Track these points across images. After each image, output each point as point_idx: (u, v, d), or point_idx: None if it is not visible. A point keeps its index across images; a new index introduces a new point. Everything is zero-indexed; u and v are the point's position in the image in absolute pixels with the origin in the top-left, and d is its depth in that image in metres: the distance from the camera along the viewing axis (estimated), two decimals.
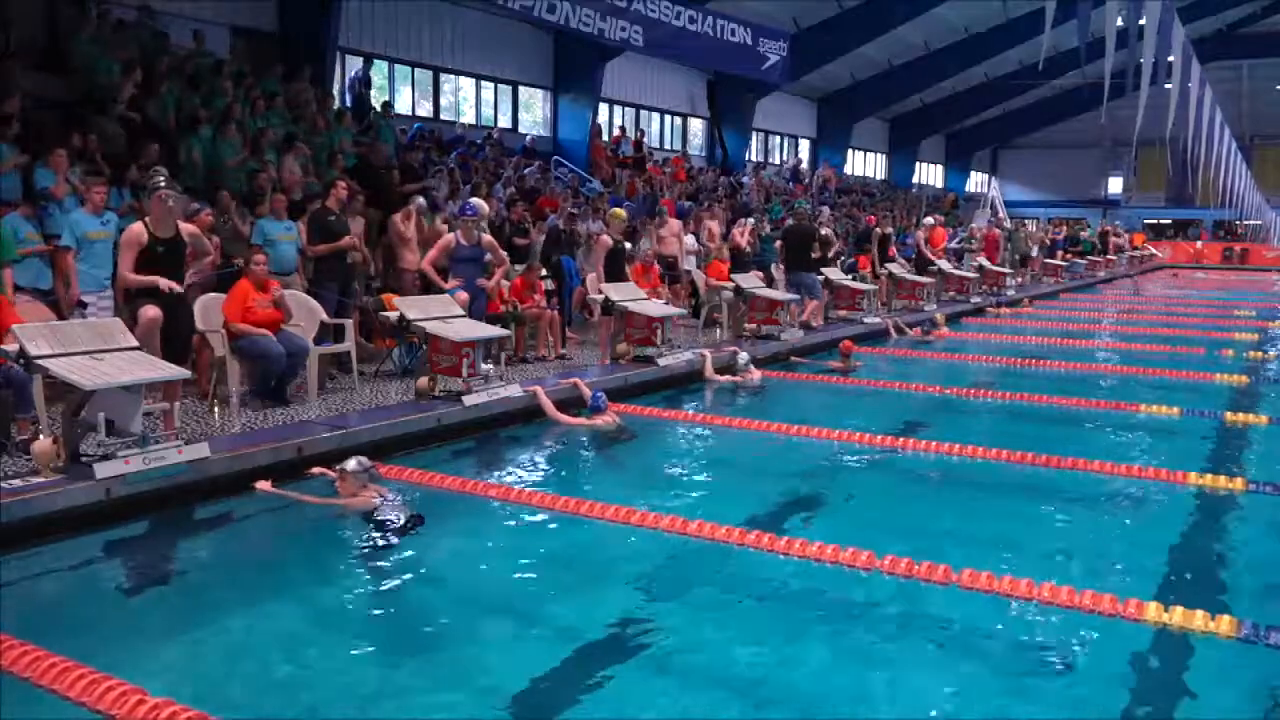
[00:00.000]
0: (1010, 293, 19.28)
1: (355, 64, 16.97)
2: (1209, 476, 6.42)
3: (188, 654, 3.94)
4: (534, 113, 21.61)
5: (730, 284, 12.34)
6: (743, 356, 9.93)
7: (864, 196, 29.54)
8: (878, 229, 16.80)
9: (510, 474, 6.79)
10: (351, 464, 5.52)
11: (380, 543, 5.07)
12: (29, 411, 5.84)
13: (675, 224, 13.82)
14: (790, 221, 14.39)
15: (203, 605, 4.46)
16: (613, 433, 7.57)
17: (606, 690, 3.66)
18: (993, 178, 43.81)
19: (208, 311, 7.45)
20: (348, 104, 15.66)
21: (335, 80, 16.07)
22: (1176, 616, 4.14)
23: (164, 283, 6.49)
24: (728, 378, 9.77)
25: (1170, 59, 17.18)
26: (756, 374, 9.88)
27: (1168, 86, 18.04)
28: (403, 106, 18.17)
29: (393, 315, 8.00)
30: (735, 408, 9.02)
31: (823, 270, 13.80)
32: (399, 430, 6.91)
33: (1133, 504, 6.16)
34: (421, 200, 10.84)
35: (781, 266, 14.31)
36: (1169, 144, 21.72)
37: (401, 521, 5.24)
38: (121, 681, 3.39)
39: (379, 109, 15.34)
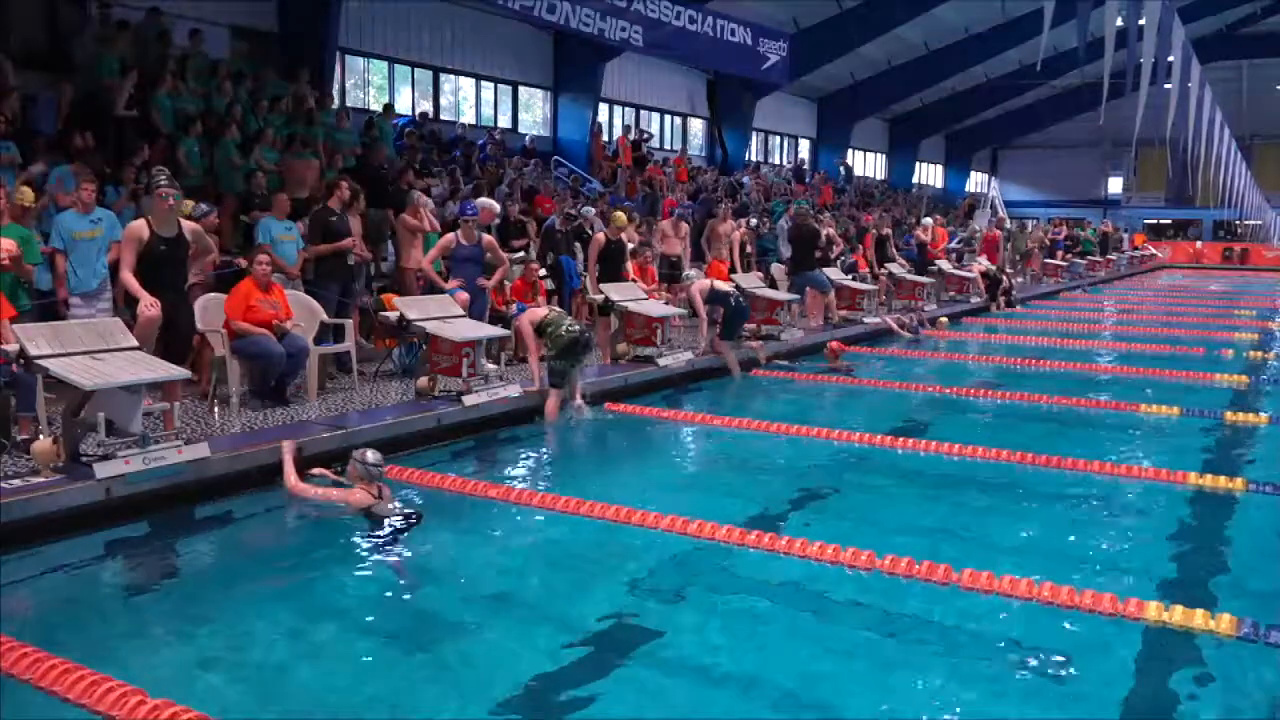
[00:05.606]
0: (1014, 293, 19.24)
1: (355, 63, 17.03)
2: (1209, 476, 6.41)
3: (188, 654, 3.93)
4: (534, 113, 21.60)
5: (730, 284, 12.33)
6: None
7: (862, 196, 29.54)
8: (874, 229, 16.81)
9: (510, 474, 6.79)
10: (370, 455, 5.54)
11: (378, 541, 5.08)
12: (30, 411, 5.84)
13: (684, 225, 13.84)
14: (787, 221, 14.39)
15: (203, 605, 4.45)
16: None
17: (606, 690, 3.66)
18: (993, 178, 43.86)
19: (208, 311, 7.45)
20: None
21: (335, 80, 16.07)
22: (1176, 616, 4.14)
23: (147, 300, 6.28)
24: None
25: (1170, 59, 17.16)
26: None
27: (1168, 86, 18.03)
28: (403, 106, 18.15)
29: (393, 315, 8.00)
30: (735, 408, 9.03)
31: (824, 270, 13.83)
32: (399, 430, 6.91)
33: (1133, 504, 6.17)
34: (420, 194, 10.81)
35: (782, 266, 14.32)
36: (1169, 144, 21.67)
37: (399, 519, 5.25)
38: (122, 683, 3.39)
39: (380, 110, 15.37)
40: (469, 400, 7.53)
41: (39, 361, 5.37)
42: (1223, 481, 6.31)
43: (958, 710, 3.57)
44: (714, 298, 10.58)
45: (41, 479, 5.18)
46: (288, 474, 5.68)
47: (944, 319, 14.90)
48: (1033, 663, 3.92)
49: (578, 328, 8.23)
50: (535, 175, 17.24)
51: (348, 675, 3.80)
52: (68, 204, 7.81)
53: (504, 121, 20.65)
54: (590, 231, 11.96)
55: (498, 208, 10.48)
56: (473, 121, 19.71)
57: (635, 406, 8.56)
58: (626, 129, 23.60)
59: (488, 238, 9.30)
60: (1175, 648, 4.04)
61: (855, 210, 24.89)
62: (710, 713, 3.57)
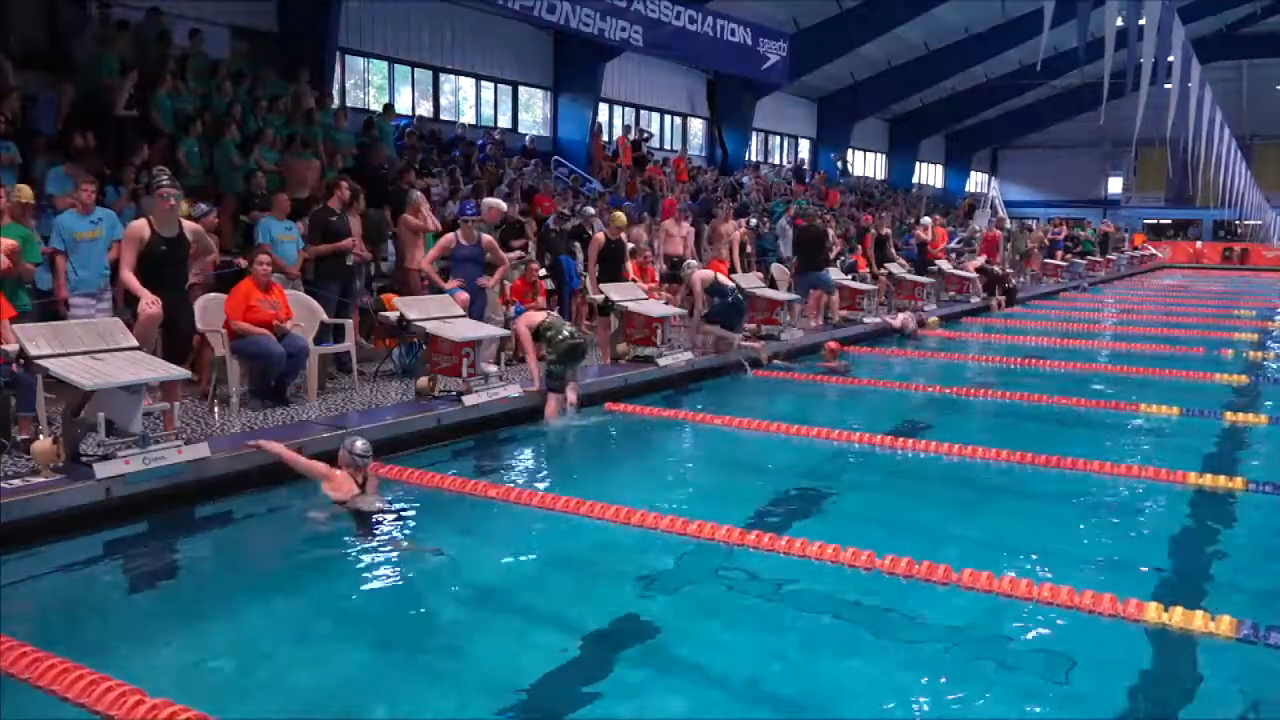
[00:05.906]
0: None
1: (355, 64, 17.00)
2: (1209, 476, 6.41)
3: (187, 654, 3.94)
4: (534, 113, 21.60)
5: (731, 283, 12.33)
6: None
7: (862, 196, 29.56)
8: (873, 229, 16.83)
9: (510, 474, 6.80)
10: (359, 445, 5.58)
11: (377, 541, 5.09)
12: (30, 411, 5.84)
13: (686, 225, 13.85)
14: (788, 221, 14.41)
15: (202, 605, 4.46)
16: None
17: (606, 690, 3.66)
18: (993, 178, 43.84)
19: (208, 311, 7.45)
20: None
21: (335, 80, 16.07)
22: (1176, 616, 4.14)
23: (148, 297, 6.27)
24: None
25: (1170, 59, 17.15)
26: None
27: (1168, 86, 18.02)
28: (403, 106, 18.17)
29: (393, 315, 8.00)
30: (735, 408, 9.01)
31: (827, 269, 13.86)
32: (399, 430, 6.91)
33: (1133, 504, 6.16)
34: (419, 194, 10.81)
35: (782, 266, 14.33)
36: (1169, 144, 21.66)
37: (384, 519, 5.29)
38: (121, 682, 3.39)
39: (380, 110, 15.37)
40: (469, 400, 7.53)
41: (39, 361, 5.37)
42: (1223, 481, 6.31)
43: (957, 710, 3.56)
44: (714, 289, 10.61)
45: (41, 479, 5.18)
46: (273, 447, 5.84)
47: (934, 319, 14.90)
48: (1032, 663, 3.93)
49: (576, 335, 8.24)
50: (535, 175, 17.24)
51: (347, 675, 3.80)
52: (67, 205, 7.81)
53: (504, 121, 20.65)
54: (590, 231, 11.96)
55: (504, 207, 10.47)
56: (473, 121, 19.71)
57: (635, 406, 8.56)
58: (626, 129, 23.60)
59: (488, 238, 9.28)
60: (1175, 649, 4.05)
61: (855, 210, 24.89)
62: (710, 713, 3.57)
